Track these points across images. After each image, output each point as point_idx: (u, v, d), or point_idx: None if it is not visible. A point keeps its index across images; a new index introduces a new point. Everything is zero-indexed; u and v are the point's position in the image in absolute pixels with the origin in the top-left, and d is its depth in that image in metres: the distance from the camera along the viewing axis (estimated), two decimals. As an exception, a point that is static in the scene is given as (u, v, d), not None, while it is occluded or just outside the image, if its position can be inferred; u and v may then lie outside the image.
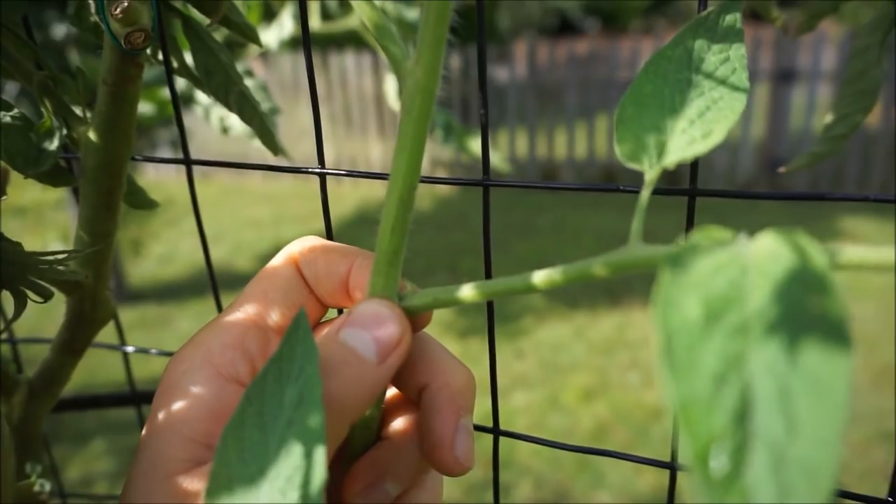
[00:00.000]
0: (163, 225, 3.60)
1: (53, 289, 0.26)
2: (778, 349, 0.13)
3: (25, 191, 3.75)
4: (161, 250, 3.38)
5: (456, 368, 0.24)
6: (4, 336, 0.42)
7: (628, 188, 0.26)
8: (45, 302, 0.23)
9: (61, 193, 3.29)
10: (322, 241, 0.26)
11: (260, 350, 0.23)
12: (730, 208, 3.18)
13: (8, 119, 0.26)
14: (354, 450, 0.24)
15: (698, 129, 0.20)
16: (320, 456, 0.17)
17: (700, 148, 0.20)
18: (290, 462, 0.17)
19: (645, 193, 0.20)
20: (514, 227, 3.40)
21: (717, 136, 0.20)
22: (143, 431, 0.22)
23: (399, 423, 0.24)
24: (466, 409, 0.23)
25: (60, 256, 0.23)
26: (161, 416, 0.22)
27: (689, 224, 0.24)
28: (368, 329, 0.21)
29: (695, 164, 0.23)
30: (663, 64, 0.22)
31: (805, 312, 0.13)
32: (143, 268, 3.17)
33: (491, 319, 0.31)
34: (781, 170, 0.36)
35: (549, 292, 2.74)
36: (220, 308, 0.38)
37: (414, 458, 0.24)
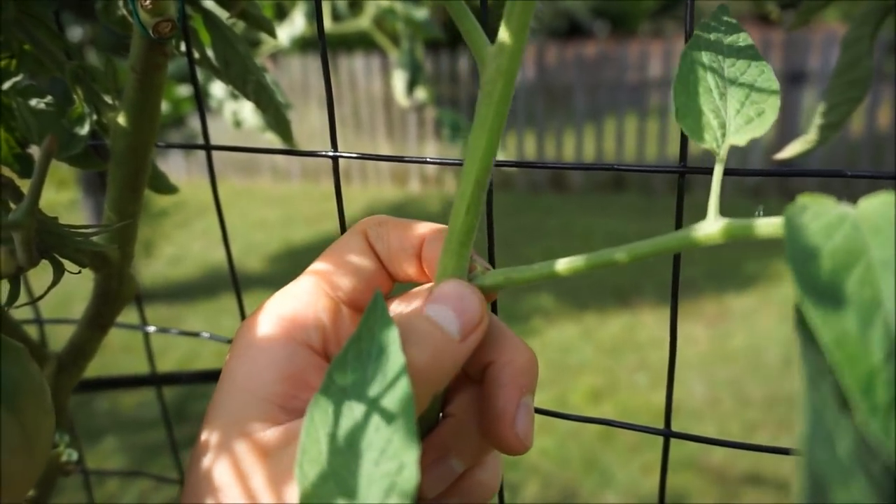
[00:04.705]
0: (174, 226, 3.64)
1: (82, 268, 0.28)
2: None
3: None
4: (172, 251, 3.42)
5: (520, 347, 0.24)
6: (31, 317, 0.44)
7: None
8: (79, 272, 0.25)
9: (74, 194, 3.33)
10: (393, 217, 0.26)
11: (331, 318, 0.24)
12: (735, 208, 3.18)
13: (42, 105, 0.28)
14: (421, 426, 0.24)
15: (751, 109, 0.22)
16: (412, 426, 0.17)
17: (759, 126, 0.21)
18: (381, 434, 0.17)
19: (718, 168, 0.21)
20: (523, 229, 3.41)
21: (770, 115, 0.21)
22: (215, 394, 0.23)
23: (462, 402, 0.25)
24: (529, 388, 0.24)
25: (93, 230, 0.25)
26: (235, 378, 0.22)
27: (679, 202, 0.25)
28: (452, 307, 0.22)
29: (684, 143, 0.24)
30: (698, 55, 0.23)
31: None
32: (153, 268, 3.20)
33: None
34: (777, 157, 0.37)
35: (558, 293, 2.75)
36: (241, 308, 0.40)
37: (477, 437, 0.24)
